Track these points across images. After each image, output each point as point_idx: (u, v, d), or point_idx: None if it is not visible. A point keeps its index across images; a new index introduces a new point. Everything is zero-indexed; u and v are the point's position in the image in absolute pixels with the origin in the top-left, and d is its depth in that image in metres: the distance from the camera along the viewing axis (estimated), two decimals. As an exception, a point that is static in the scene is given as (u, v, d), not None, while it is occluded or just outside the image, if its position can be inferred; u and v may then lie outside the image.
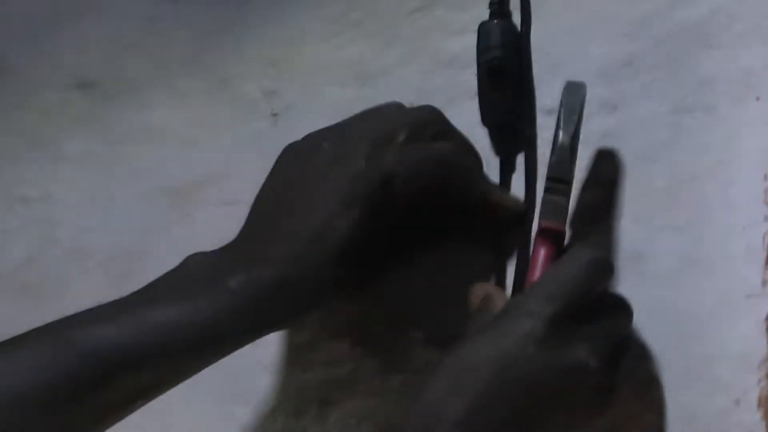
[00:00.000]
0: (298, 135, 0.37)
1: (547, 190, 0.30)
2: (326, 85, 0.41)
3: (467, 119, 0.37)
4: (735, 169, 0.33)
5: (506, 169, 0.36)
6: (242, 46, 0.42)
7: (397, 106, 0.34)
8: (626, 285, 0.33)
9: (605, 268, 0.28)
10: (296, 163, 0.32)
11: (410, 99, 0.38)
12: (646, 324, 0.33)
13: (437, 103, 0.36)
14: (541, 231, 0.30)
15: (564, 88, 0.31)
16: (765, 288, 0.32)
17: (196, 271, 0.30)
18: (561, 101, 0.31)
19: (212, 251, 0.31)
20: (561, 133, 0.30)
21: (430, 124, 0.33)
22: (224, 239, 0.37)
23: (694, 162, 0.34)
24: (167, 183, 0.42)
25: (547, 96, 0.36)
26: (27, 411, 0.27)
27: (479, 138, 0.36)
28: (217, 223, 0.40)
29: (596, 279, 0.28)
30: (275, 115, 0.41)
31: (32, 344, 0.29)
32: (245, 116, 0.42)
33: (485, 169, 0.34)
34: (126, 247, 0.41)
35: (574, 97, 0.30)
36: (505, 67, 0.35)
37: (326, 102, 0.40)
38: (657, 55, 0.35)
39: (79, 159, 0.44)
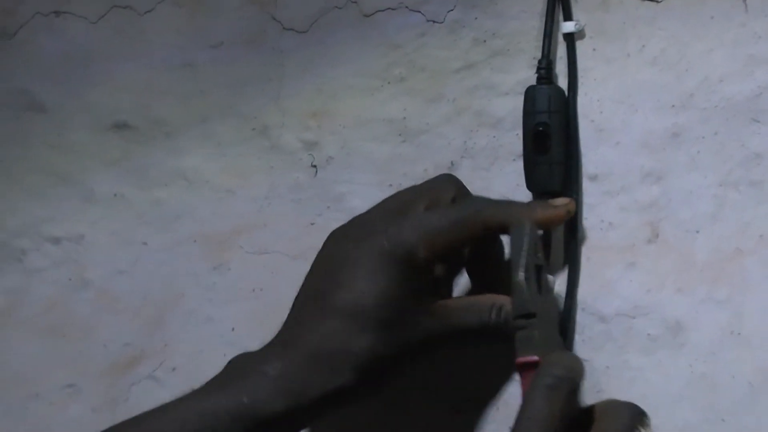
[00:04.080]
0: (337, 187, 0.38)
1: (517, 328, 0.29)
2: (367, 140, 0.39)
3: (509, 181, 0.36)
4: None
5: (547, 237, 0.34)
6: (282, 96, 0.40)
7: (436, 181, 0.33)
8: (666, 354, 0.33)
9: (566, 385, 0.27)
10: (328, 253, 0.33)
11: (452, 158, 0.37)
12: (684, 394, 0.33)
13: (480, 164, 0.36)
14: (520, 366, 0.29)
15: (510, 233, 0.31)
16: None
17: (239, 366, 0.31)
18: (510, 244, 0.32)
19: (254, 351, 0.31)
20: (513, 274, 0.29)
21: (447, 190, 0.33)
22: (257, 289, 0.38)
23: (737, 236, 0.33)
24: (201, 230, 0.40)
25: (591, 163, 0.35)
26: None
27: (522, 200, 0.36)
28: (252, 272, 0.40)
29: (562, 398, 0.26)
30: (314, 167, 0.39)
31: None
32: (283, 166, 0.40)
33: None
34: (157, 293, 0.40)
35: (517, 236, 0.30)
36: (550, 133, 0.33)
37: (366, 157, 0.39)
38: (704, 128, 0.34)
39: (111, 201, 0.42)
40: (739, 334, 0.32)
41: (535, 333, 0.29)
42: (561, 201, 0.33)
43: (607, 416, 0.28)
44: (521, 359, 0.29)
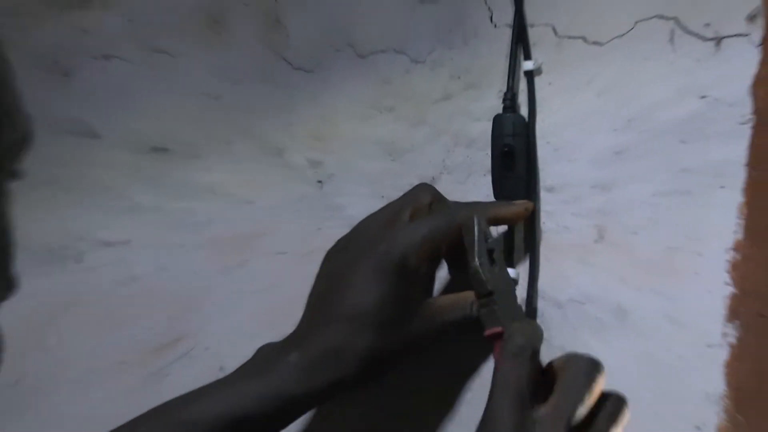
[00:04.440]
0: (338, 199, 0.40)
1: (480, 306, 0.32)
2: (362, 158, 0.41)
3: (481, 192, 0.39)
4: (703, 244, 0.34)
5: (509, 234, 0.37)
6: (292, 123, 0.42)
7: (414, 191, 0.36)
8: (612, 335, 0.35)
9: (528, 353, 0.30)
10: (333, 262, 0.35)
11: (433, 174, 0.40)
12: (628, 367, 0.35)
13: (457, 178, 0.39)
14: (489, 338, 0.32)
15: (462, 230, 0.33)
16: (724, 339, 0.33)
17: (267, 356, 0.34)
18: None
19: (277, 341, 0.34)
20: (469, 263, 0.32)
21: (424, 197, 0.36)
22: (275, 283, 0.41)
23: (669, 237, 0.35)
24: (226, 233, 0.42)
25: (549, 176, 0.38)
26: None
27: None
28: (269, 269, 0.42)
29: (526, 362, 0.30)
30: (320, 182, 0.41)
31: (148, 423, 0.32)
32: (294, 181, 0.41)
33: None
34: (191, 286, 0.42)
35: (468, 230, 0.33)
36: (514, 152, 0.36)
37: (362, 173, 0.41)
38: (642, 147, 0.36)
39: (152, 211, 0.44)
40: (672, 317, 0.34)
41: (495, 308, 0.31)
42: (520, 201, 0.36)
43: (569, 367, 0.30)
44: (488, 332, 0.31)
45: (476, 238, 0.32)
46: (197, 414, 0.32)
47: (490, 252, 0.33)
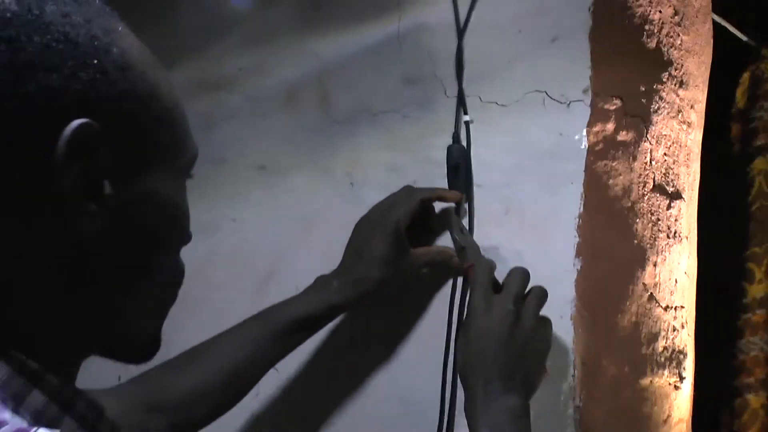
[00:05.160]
0: (364, 197, 0.55)
1: (459, 255, 0.48)
2: (378, 172, 0.56)
3: (443, 185, 0.53)
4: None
5: (458, 208, 0.52)
6: (336, 154, 0.58)
7: (402, 189, 0.51)
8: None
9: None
10: (358, 228, 0.50)
11: (415, 178, 0.54)
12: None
13: (429, 182, 0.53)
14: (466, 269, 0.47)
15: (440, 213, 0.50)
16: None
17: (321, 281, 0.49)
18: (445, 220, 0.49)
19: (327, 274, 0.49)
20: (451, 233, 0.49)
21: (408, 190, 0.50)
22: (327, 251, 0.54)
23: (539, 211, 0.53)
24: (300, 216, 0.58)
25: (477, 179, 0.53)
26: (243, 359, 0.48)
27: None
28: (327, 243, 0.56)
29: (492, 274, 0.44)
30: (352, 185, 0.57)
31: (251, 323, 0.48)
32: (338, 185, 0.57)
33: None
34: (278, 251, 0.59)
35: (445, 213, 0.51)
36: (459, 166, 0.52)
37: (379, 180, 0.56)
38: (527, 163, 0.53)
39: (258, 206, 0.59)
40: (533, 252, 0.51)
41: (467, 254, 0.46)
42: (455, 191, 0.51)
43: (511, 273, 0.43)
44: (466, 264, 0.46)
45: (453, 220, 0.49)
46: (281, 315, 0.48)
47: (460, 223, 0.48)
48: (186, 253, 0.31)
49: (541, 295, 0.43)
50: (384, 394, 0.53)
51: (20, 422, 0.22)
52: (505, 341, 0.41)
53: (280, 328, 0.48)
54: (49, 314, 0.26)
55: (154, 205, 0.28)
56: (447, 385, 0.50)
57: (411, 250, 0.49)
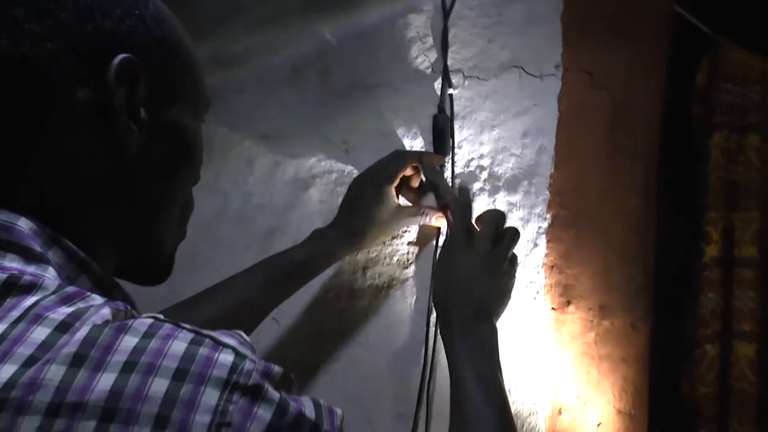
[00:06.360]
0: (358, 161, 0.58)
1: (434, 195, 0.51)
2: (372, 139, 0.58)
3: (429, 149, 0.57)
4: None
5: (442, 169, 0.55)
6: (334, 123, 0.59)
7: (392, 153, 0.54)
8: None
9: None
10: (354, 186, 0.53)
11: (410, 145, 0.58)
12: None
13: (418, 145, 0.58)
14: (443, 207, 0.51)
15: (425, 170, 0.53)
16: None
17: (319, 233, 0.52)
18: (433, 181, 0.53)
19: (324, 226, 0.52)
20: (436, 184, 0.53)
21: (398, 153, 0.53)
22: (324, 209, 0.58)
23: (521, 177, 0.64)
24: (299, 177, 0.59)
25: (458, 141, 0.58)
26: (248, 299, 0.49)
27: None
28: (323, 201, 0.58)
29: (470, 211, 0.47)
30: (347, 151, 0.59)
31: (256, 268, 0.50)
32: (335, 150, 0.59)
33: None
34: (280, 210, 0.60)
35: (430, 169, 0.53)
36: (444, 132, 0.56)
37: (372, 146, 0.58)
38: (505, 127, 0.59)
39: (263, 169, 0.60)
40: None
41: (441, 192, 0.51)
42: (440, 155, 0.55)
43: (488, 213, 0.46)
44: (440, 203, 0.52)
45: (426, 167, 0.53)
46: (285, 260, 0.51)
47: (434, 170, 0.51)
48: (197, 213, 0.35)
49: (516, 236, 0.46)
50: (376, 341, 0.57)
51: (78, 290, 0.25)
52: (481, 278, 0.44)
53: (281, 273, 0.50)
54: (94, 219, 0.29)
55: (178, 134, 0.32)
56: (430, 327, 0.56)
57: (399, 206, 0.53)
